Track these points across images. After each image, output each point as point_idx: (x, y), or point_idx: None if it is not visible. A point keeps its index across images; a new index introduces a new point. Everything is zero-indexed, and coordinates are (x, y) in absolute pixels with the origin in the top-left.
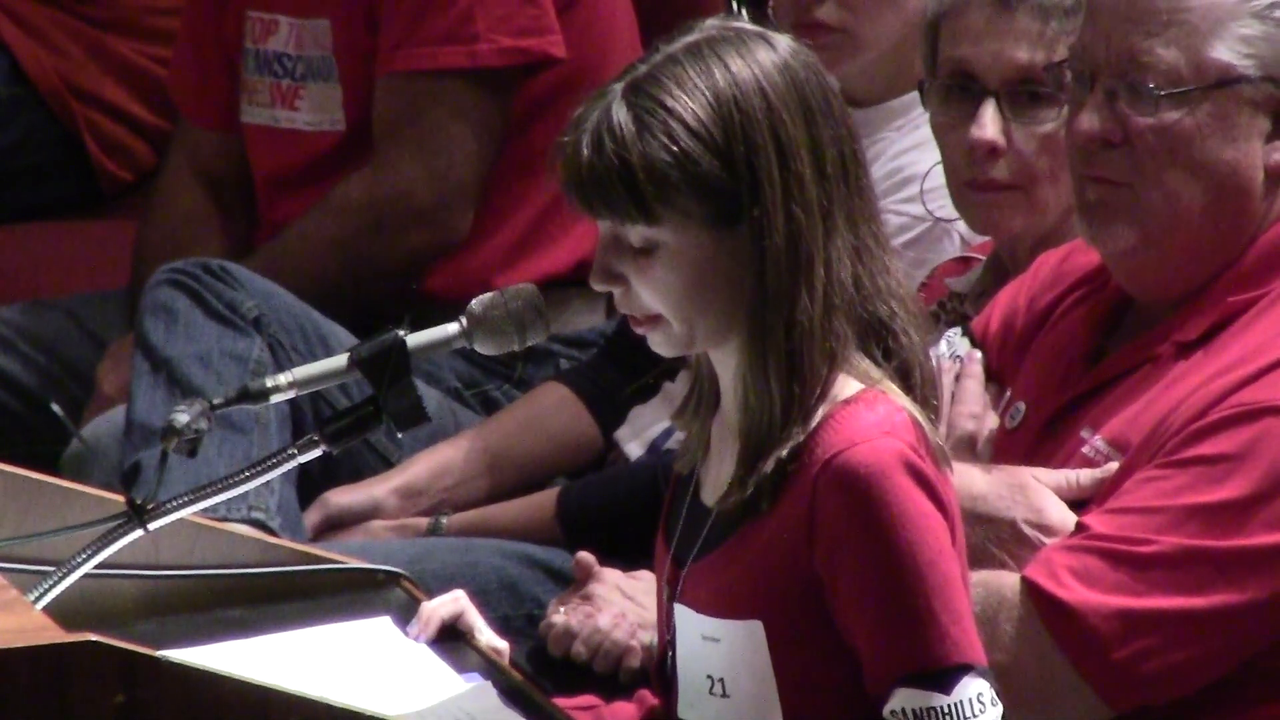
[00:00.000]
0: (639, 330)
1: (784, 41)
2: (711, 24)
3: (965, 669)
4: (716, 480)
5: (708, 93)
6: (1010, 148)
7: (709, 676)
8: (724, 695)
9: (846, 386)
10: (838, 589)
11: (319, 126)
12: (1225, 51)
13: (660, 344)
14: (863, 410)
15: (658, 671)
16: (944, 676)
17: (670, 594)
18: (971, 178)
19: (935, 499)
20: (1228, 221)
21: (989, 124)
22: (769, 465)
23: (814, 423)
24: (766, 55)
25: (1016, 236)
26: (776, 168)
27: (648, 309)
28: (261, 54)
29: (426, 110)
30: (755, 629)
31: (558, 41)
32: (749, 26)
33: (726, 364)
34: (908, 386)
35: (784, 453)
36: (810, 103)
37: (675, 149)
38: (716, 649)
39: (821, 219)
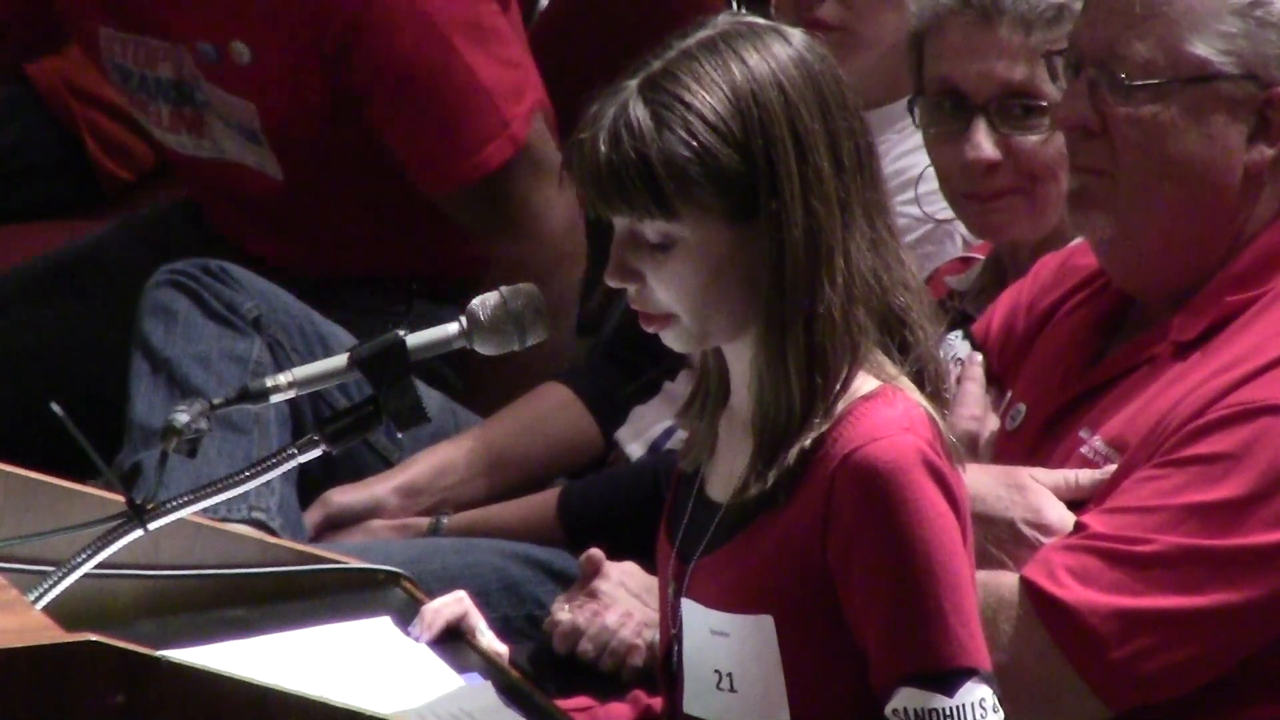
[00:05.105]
0: (650, 329)
1: (798, 35)
2: (725, 19)
3: (969, 673)
4: (725, 475)
5: (725, 87)
6: (1008, 157)
7: (716, 671)
8: (731, 690)
9: (865, 383)
10: (849, 584)
11: (262, 168)
12: (1203, 47)
13: (674, 340)
14: (882, 406)
15: (663, 667)
16: (947, 678)
17: (676, 589)
18: (971, 190)
19: (950, 498)
20: (1205, 219)
21: (983, 142)
22: (792, 456)
23: (834, 417)
24: (782, 49)
25: (1019, 239)
26: (794, 161)
27: (662, 306)
28: (150, 79)
29: (502, 203)
30: (765, 623)
31: (539, 80)
32: (762, 21)
33: (741, 357)
34: (920, 382)
35: (807, 443)
36: (826, 96)
37: (694, 144)
38: (725, 643)
39: (840, 211)
